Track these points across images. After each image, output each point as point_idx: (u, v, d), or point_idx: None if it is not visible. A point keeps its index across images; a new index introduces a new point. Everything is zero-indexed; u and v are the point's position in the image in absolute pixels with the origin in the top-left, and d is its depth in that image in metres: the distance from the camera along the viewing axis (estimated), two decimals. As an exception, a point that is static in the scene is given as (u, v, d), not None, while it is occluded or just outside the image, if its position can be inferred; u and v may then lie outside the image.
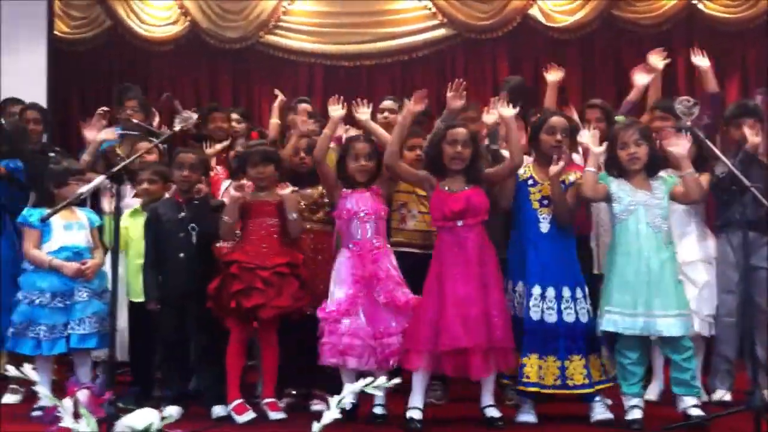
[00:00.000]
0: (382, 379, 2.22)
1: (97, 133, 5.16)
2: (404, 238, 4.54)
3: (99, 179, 3.51)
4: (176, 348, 4.26)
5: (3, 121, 5.15)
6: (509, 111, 4.13)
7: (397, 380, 2.33)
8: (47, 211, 4.30)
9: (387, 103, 5.49)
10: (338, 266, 4.14)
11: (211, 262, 4.25)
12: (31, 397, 4.48)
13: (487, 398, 4.03)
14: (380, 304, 4.01)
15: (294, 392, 4.44)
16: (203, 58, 7.61)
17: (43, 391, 2.11)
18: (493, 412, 3.98)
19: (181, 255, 4.24)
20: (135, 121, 5.31)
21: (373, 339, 3.98)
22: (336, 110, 4.30)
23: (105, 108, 5.47)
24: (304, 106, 5.44)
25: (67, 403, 2.11)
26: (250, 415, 4.06)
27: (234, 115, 5.96)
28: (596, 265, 4.56)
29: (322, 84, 7.47)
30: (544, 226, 4.11)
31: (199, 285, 4.15)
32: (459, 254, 3.96)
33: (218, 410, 4.13)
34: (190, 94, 7.42)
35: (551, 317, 3.99)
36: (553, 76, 5.17)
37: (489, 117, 4.53)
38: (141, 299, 4.43)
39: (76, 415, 2.13)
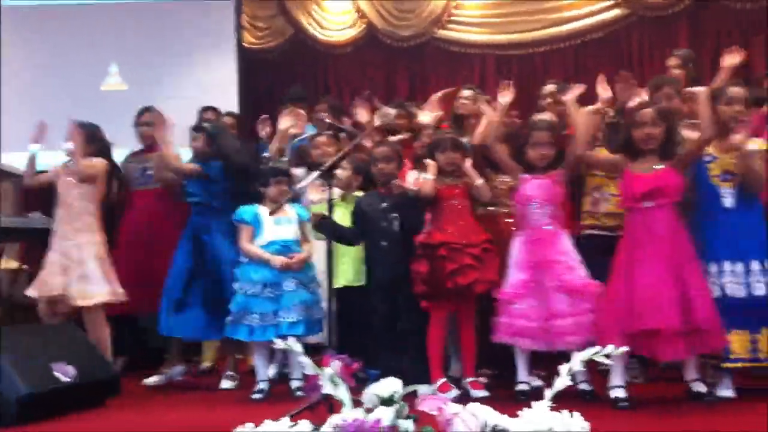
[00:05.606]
0: (610, 347, 2.31)
1: (288, 124, 5.31)
2: (596, 221, 4.59)
3: (313, 175, 3.80)
4: (386, 330, 4.46)
5: (205, 125, 5.47)
6: (699, 87, 4.10)
7: (625, 348, 2.41)
8: (259, 207, 4.72)
9: (466, 93, 5.52)
10: (514, 250, 4.26)
11: (414, 249, 4.41)
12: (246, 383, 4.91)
13: (692, 373, 4.02)
14: (553, 288, 4.10)
15: (490, 372, 4.59)
16: (380, 56, 7.94)
17: (306, 361, 2.37)
18: (699, 387, 3.98)
19: (384, 243, 4.47)
20: (328, 121, 5.63)
21: (545, 321, 4.08)
22: (504, 96, 4.42)
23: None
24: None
25: (327, 372, 2.36)
26: (454, 393, 4.21)
27: (413, 110, 6.17)
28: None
29: (494, 74, 7.59)
30: (728, 201, 4.07)
31: (404, 270, 4.36)
32: (648, 236, 3.92)
33: (423, 389, 4.31)
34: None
35: (740, 292, 3.95)
36: (732, 60, 4.64)
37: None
38: (344, 285, 4.71)
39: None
